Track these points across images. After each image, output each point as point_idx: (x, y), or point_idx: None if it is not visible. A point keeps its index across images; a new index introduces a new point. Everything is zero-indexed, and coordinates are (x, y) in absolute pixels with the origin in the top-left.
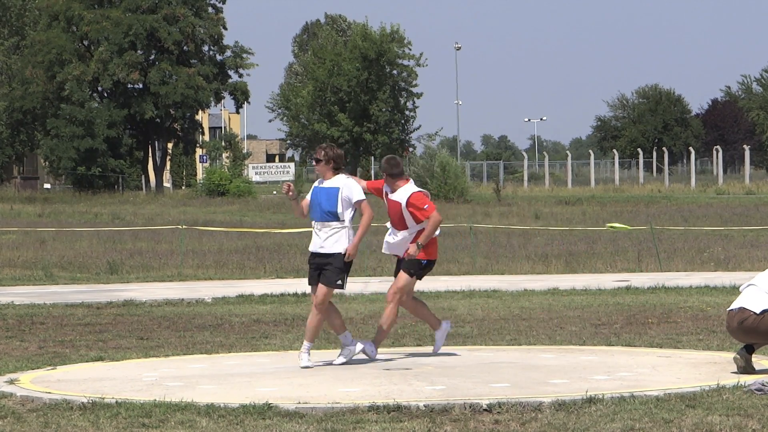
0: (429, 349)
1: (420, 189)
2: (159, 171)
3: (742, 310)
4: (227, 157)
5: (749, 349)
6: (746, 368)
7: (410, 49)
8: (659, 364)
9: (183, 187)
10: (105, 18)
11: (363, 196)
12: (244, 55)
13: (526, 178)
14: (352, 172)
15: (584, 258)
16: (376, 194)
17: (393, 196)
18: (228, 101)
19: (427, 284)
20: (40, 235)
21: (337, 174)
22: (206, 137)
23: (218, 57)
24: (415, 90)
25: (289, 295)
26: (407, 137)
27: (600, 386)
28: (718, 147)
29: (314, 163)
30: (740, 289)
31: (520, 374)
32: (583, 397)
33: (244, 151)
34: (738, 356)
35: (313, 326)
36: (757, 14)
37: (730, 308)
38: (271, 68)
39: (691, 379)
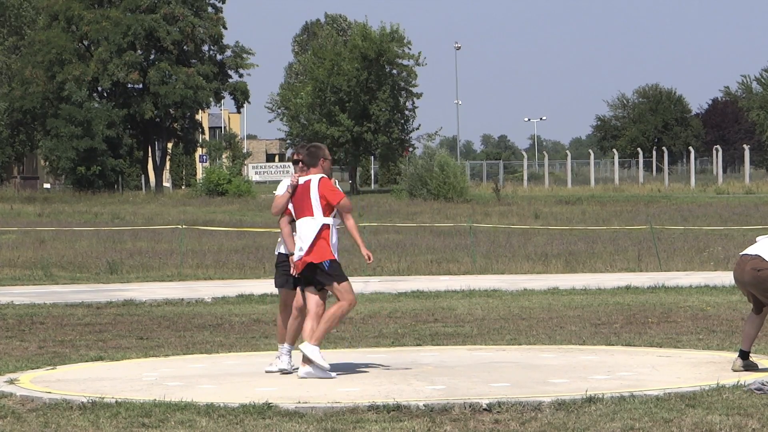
0: (429, 349)
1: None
2: (159, 171)
3: (760, 258)
4: (226, 157)
5: (744, 356)
6: (748, 368)
7: (410, 49)
8: (659, 364)
9: (183, 187)
10: (104, 18)
11: None
12: (244, 55)
13: (525, 177)
14: (352, 172)
15: (584, 258)
16: None
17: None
18: (228, 101)
19: (427, 284)
20: (40, 234)
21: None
22: (206, 137)
23: (218, 57)
24: (415, 90)
25: None
26: (407, 137)
27: (600, 386)
28: (717, 147)
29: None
30: (757, 238)
31: (520, 374)
32: (583, 396)
33: (244, 150)
34: (736, 367)
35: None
36: (757, 14)
37: (744, 252)
38: (271, 68)
39: (691, 379)
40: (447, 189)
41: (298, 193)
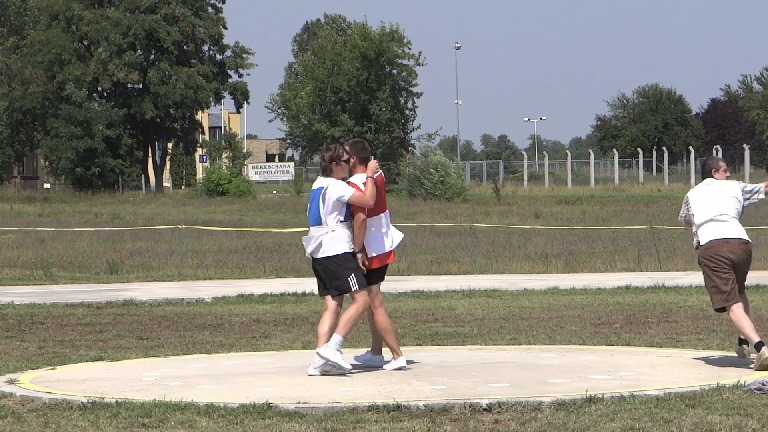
0: (429, 349)
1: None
2: (159, 171)
3: (749, 243)
4: (226, 157)
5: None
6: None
7: (410, 49)
8: (659, 364)
9: (183, 187)
10: (104, 18)
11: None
12: (244, 55)
13: (525, 177)
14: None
15: (584, 257)
16: None
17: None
18: (228, 101)
19: (427, 284)
20: (40, 234)
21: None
22: (206, 137)
23: (218, 57)
24: (415, 90)
25: (289, 294)
26: (407, 137)
27: (600, 386)
28: (717, 146)
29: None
30: (716, 216)
31: (519, 374)
32: (582, 396)
33: (244, 150)
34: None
35: None
36: (757, 14)
37: (729, 237)
38: (271, 68)
39: (691, 379)
40: (444, 189)
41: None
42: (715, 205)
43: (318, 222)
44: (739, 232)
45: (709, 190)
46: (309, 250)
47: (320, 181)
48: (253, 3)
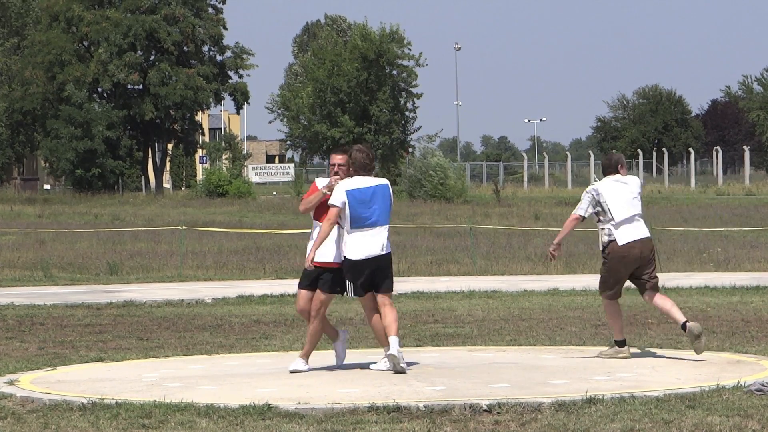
0: (429, 350)
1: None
2: (159, 172)
3: (651, 240)
4: (226, 158)
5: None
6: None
7: (410, 50)
8: (659, 365)
9: (183, 188)
10: (105, 19)
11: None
12: (244, 56)
13: (525, 178)
14: None
15: (584, 258)
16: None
17: None
18: (228, 102)
19: (427, 285)
20: (40, 235)
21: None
22: (206, 138)
23: (218, 57)
24: (415, 90)
25: (289, 295)
26: (408, 138)
27: (600, 387)
28: (718, 148)
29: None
30: (633, 215)
31: (520, 375)
32: (583, 397)
33: (244, 151)
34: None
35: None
36: (757, 14)
37: (642, 237)
38: (271, 69)
39: (691, 380)
40: (444, 190)
41: None
42: (632, 205)
43: (388, 220)
44: (647, 230)
45: (623, 187)
46: (379, 248)
47: (372, 180)
48: (253, 3)
